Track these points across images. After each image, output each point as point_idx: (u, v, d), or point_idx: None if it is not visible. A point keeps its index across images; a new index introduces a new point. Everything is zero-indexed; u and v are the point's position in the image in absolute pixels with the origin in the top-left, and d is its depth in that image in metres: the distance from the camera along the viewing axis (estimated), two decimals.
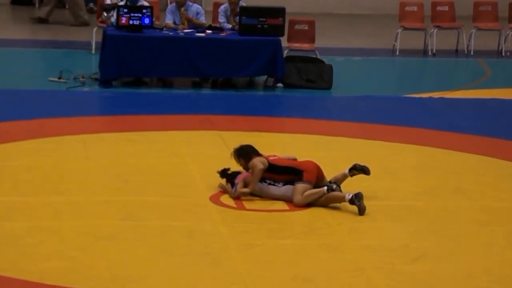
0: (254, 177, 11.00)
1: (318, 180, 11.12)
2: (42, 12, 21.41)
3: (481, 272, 9.47)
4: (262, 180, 11.03)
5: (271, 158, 11.16)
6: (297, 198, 10.94)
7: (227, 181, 11.23)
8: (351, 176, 11.24)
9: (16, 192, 11.04)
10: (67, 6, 22.23)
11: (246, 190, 11.00)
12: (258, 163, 10.99)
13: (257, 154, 11.14)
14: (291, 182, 10.99)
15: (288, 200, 10.99)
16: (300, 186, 10.98)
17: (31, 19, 21.55)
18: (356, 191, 10.82)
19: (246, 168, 11.15)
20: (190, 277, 9.08)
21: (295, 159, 11.30)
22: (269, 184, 11.06)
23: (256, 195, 11.12)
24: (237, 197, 11.05)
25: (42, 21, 21.23)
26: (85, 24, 21.32)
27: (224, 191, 11.18)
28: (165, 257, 9.50)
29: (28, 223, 10.20)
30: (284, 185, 11.01)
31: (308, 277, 9.18)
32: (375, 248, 9.98)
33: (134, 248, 9.71)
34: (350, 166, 11.26)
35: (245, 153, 11.19)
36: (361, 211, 10.68)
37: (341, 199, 10.86)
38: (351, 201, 10.76)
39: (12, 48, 19.04)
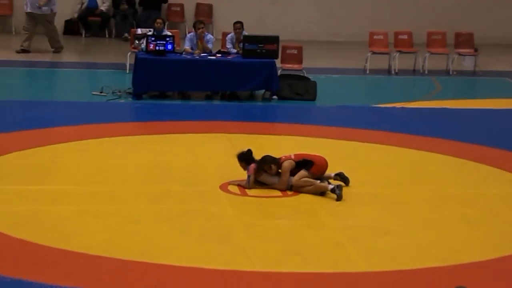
0: (284, 177, 10.86)
1: (320, 174, 11.02)
2: (25, 44, 20.43)
3: (436, 245, 9.42)
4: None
5: (292, 156, 11.03)
6: (295, 179, 10.85)
7: (244, 163, 11.03)
8: (334, 179, 11.16)
9: (66, 182, 10.97)
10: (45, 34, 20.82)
11: (277, 185, 10.88)
12: (288, 166, 10.84)
13: (272, 159, 10.91)
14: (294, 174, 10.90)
15: (286, 189, 10.90)
16: (303, 172, 10.87)
17: (16, 51, 20.37)
18: (337, 183, 10.81)
19: (245, 169, 11.02)
20: (204, 250, 9.00)
21: (308, 155, 11.15)
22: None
23: (261, 184, 11.00)
24: (250, 188, 10.92)
25: (24, 51, 20.35)
26: (61, 48, 20.67)
27: (239, 184, 11.02)
28: (183, 234, 9.43)
29: (76, 207, 10.13)
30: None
31: (297, 250, 9.12)
32: (351, 226, 9.92)
33: (158, 227, 9.64)
34: (337, 172, 11.20)
35: (246, 158, 11.07)
36: (339, 198, 10.61)
37: (325, 189, 10.78)
38: (332, 190, 10.68)
39: (64, 69, 19.01)
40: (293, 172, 10.91)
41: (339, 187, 10.67)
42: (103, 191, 10.71)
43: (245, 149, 11.19)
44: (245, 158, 11.08)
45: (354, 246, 9.31)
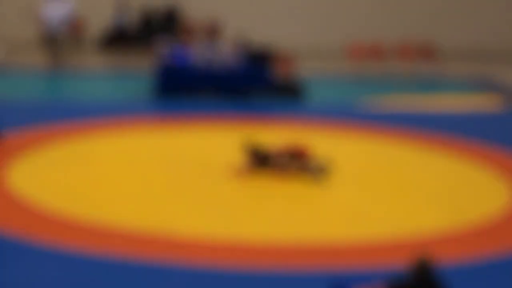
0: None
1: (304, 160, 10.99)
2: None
3: (403, 219, 9.58)
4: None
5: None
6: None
7: (252, 158, 10.99)
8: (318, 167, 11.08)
9: (97, 170, 11.24)
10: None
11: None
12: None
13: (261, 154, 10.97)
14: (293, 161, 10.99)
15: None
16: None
17: None
18: (320, 167, 10.90)
19: (250, 162, 11.02)
20: (213, 224, 9.28)
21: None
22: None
23: (259, 168, 11.03)
24: (247, 171, 10.98)
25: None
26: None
27: (240, 170, 11.03)
28: (196, 211, 9.73)
29: (105, 187, 10.45)
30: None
31: (292, 224, 9.41)
32: (335, 206, 10.17)
33: (175, 204, 9.95)
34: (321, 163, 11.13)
35: (252, 153, 11.07)
36: (318, 180, 10.71)
37: (308, 169, 10.89)
38: (314, 172, 10.84)
39: (94, 73, 19.01)
40: (287, 162, 10.97)
41: (318, 169, 10.76)
42: (128, 175, 10.96)
43: (252, 144, 11.18)
44: (251, 152, 11.12)
45: (339, 221, 9.55)
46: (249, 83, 16.13)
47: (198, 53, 16.20)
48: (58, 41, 18.32)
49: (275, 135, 12.85)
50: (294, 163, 10.93)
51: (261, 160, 10.96)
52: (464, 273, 8.04)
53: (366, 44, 20.04)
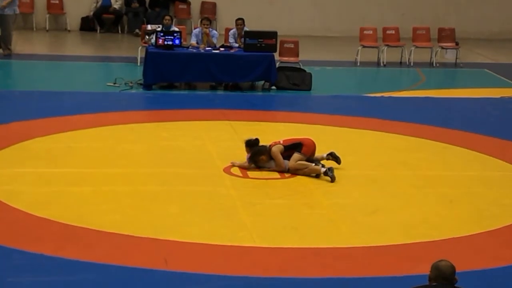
0: (278, 160, 10.89)
1: (311, 155, 11.06)
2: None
3: (419, 222, 9.43)
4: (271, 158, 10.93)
5: (280, 141, 11.07)
6: (291, 163, 10.87)
7: (250, 149, 11.05)
8: (327, 160, 11.18)
9: (83, 166, 10.96)
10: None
11: (273, 167, 10.90)
12: (277, 150, 10.89)
13: (264, 146, 10.98)
14: (289, 157, 10.91)
15: (284, 171, 10.91)
16: (296, 155, 10.91)
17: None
18: (329, 166, 10.79)
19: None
20: (209, 227, 9.02)
21: (296, 138, 11.24)
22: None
23: (260, 167, 11.01)
24: (247, 168, 10.96)
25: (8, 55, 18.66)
26: (11, 52, 18.63)
27: (238, 165, 11.02)
28: (190, 213, 9.44)
29: (92, 188, 10.13)
30: (283, 159, 10.94)
31: (294, 226, 9.14)
32: (342, 205, 9.93)
33: (168, 206, 9.65)
34: (328, 152, 11.22)
35: (252, 145, 11.08)
36: (332, 180, 10.61)
37: (319, 171, 10.79)
38: (325, 173, 10.69)
39: (80, 62, 18.97)
40: (288, 156, 10.93)
41: (331, 170, 10.68)
42: (117, 174, 10.72)
43: (254, 137, 11.21)
44: (252, 145, 11.11)
45: (346, 223, 9.32)
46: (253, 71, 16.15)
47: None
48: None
49: (280, 128, 12.96)
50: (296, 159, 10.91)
51: (253, 157, 10.95)
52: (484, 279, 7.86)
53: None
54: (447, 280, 5.81)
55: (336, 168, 10.90)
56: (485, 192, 10.55)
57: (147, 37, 17.49)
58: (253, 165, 10.99)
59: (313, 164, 10.85)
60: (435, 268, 5.85)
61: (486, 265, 8.25)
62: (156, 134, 12.77)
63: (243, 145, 11.20)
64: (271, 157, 10.94)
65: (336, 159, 11.16)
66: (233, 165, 11.07)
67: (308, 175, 10.82)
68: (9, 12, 18.25)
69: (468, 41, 22.35)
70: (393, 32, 20.17)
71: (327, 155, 11.19)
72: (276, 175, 10.87)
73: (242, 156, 11.16)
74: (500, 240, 8.98)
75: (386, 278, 7.88)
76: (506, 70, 19.18)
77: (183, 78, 16.30)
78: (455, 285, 5.84)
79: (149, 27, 18.04)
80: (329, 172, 10.64)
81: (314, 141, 11.16)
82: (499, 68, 19.60)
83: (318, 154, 11.17)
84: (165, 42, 16.10)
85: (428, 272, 5.88)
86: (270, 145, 11.03)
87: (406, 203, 10.04)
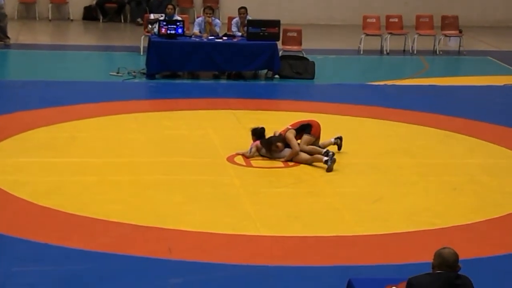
0: (292, 143, 10.88)
1: (319, 136, 11.13)
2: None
3: (422, 210, 9.44)
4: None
5: (289, 126, 11.08)
6: (303, 146, 10.90)
7: (256, 138, 11.09)
8: (334, 144, 11.22)
9: (87, 155, 10.97)
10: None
11: (288, 153, 10.86)
12: (291, 135, 10.90)
13: (274, 136, 10.96)
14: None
15: (286, 159, 10.90)
16: (306, 137, 10.96)
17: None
18: (331, 155, 10.70)
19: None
20: (213, 216, 9.03)
21: (303, 120, 11.30)
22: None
23: (263, 156, 11.00)
24: (251, 157, 10.96)
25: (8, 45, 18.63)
26: (9, 40, 18.69)
27: (242, 154, 11.04)
28: (194, 202, 9.45)
29: (96, 177, 10.14)
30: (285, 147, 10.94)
31: (298, 215, 9.15)
32: (345, 193, 9.94)
33: (172, 195, 9.65)
34: (336, 136, 11.29)
35: (258, 134, 11.11)
36: (328, 170, 10.56)
37: (320, 160, 10.78)
38: (326, 162, 10.68)
39: (83, 51, 18.96)
40: (299, 139, 10.97)
41: (332, 160, 10.61)
42: (121, 163, 10.72)
43: (260, 126, 11.24)
44: (258, 133, 11.14)
45: (349, 211, 9.32)
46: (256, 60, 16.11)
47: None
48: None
49: (283, 117, 12.87)
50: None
51: (268, 145, 10.96)
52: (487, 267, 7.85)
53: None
54: (451, 268, 5.81)
55: (338, 153, 10.87)
56: (488, 180, 10.55)
57: (150, 26, 17.49)
58: (256, 154, 10.99)
59: (323, 151, 10.83)
60: (438, 255, 5.86)
61: (489, 253, 8.26)
62: (159, 123, 12.77)
63: (248, 134, 11.20)
64: (286, 145, 10.93)
65: (339, 146, 11.22)
66: (237, 153, 11.08)
67: (310, 163, 10.82)
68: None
69: (472, 28, 22.30)
70: (396, 20, 20.13)
71: (335, 139, 11.27)
72: (280, 164, 10.87)
73: (246, 145, 11.17)
74: (503, 228, 8.99)
75: (390, 266, 7.90)
76: (509, 58, 19.13)
77: (186, 67, 16.29)
78: (458, 273, 5.86)
79: (152, 16, 18.02)
80: (329, 162, 10.60)
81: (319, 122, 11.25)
82: (502, 55, 19.55)
83: (326, 140, 11.19)
84: (168, 31, 16.08)
85: (432, 260, 5.89)
86: (280, 133, 11.03)
87: (410, 191, 10.04)
